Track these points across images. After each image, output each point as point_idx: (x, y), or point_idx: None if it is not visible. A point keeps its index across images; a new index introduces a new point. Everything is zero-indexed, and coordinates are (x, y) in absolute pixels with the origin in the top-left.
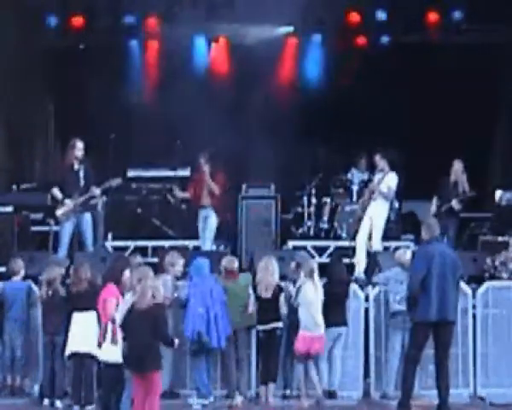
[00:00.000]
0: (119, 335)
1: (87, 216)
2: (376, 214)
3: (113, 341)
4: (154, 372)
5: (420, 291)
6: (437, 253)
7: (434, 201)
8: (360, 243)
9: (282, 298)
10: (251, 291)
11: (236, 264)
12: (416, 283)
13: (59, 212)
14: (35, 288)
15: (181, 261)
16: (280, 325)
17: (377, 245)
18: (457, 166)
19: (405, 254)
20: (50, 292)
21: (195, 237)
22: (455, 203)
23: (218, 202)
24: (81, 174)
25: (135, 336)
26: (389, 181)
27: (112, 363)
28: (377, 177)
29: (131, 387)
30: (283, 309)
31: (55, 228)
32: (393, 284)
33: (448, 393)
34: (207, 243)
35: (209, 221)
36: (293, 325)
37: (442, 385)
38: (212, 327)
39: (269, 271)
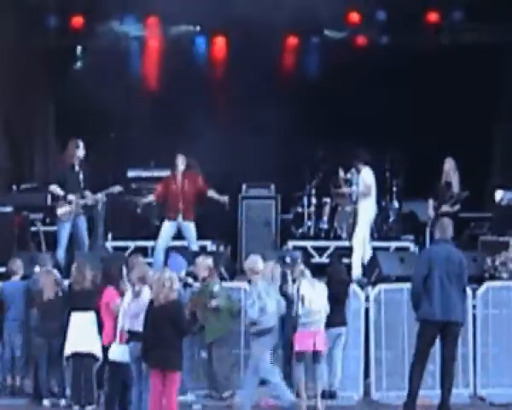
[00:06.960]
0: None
1: (83, 219)
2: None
3: (121, 340)
4: (177, 371)
5: (422, 291)
6: (442, 253)
7: (431, 203)
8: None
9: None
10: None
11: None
12: (418, 282)
13: (59, 211)
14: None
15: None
16: None
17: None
18: (448, 165)
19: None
20: (45, 297)
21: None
22: (446, 209)
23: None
24: (81, 176)
25: (157, 333)
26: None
27: (121, 362)
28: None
29: (143, 385)
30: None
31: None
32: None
33: (450, 394)
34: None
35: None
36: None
37: (445, 386)
38: None
39: None
